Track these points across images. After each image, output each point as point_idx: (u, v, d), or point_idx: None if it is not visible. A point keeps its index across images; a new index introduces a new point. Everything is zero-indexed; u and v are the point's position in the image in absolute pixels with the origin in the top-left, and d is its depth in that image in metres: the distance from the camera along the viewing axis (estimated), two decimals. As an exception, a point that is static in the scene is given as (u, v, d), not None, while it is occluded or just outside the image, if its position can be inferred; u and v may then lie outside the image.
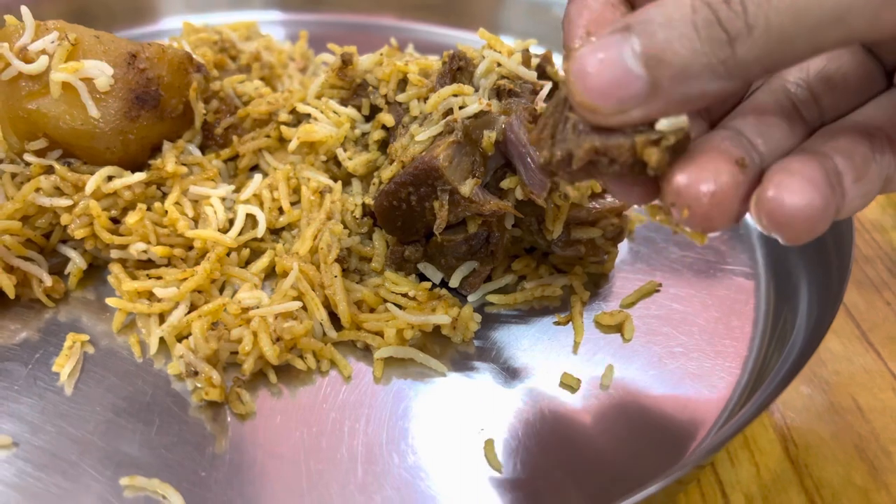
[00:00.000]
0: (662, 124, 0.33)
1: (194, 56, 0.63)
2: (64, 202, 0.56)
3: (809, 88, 0.40)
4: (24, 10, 0.55)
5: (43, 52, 0.55)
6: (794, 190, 0.33)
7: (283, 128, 0.66)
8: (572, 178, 0.38)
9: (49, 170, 0.58)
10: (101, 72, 0.55)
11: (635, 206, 0.67)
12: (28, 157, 0.58)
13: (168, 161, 0.59)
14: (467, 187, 0.53)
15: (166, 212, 0.58)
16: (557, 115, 0.37)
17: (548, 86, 0.59)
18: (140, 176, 0.58)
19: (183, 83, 0.61)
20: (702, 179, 0.34)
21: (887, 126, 0.38)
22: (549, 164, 0.38)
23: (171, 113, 0.61)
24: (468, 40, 0.90)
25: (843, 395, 0.56)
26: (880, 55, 0.40)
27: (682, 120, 0.34)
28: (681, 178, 0.34)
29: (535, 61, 0.63)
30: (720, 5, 0.30)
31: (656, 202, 0.38)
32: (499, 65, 0.57)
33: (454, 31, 0.96)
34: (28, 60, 0.55)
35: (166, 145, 0.61)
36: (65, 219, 0.56)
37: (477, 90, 0.57)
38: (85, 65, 0.55)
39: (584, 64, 0.33)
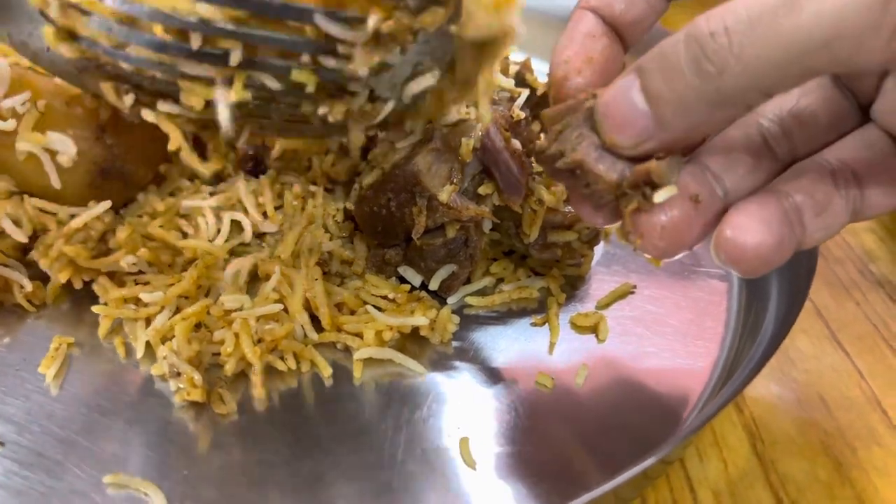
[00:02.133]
0: (660, 196, 0.37)
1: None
2: (22, 237, 0.57)
3: (781, 124, 0.42)
4: (2, 62, 0.55)
5: (13, 111, 0.54)
6: (748, 230, 0.36)
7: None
8: (552, 174, 0.41)
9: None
10: (65, 149, 0.55)
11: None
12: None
13: (154, 203, 0.60)
14: (445, 194, 0.55)
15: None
16: (575, 121, 0.40)
17: (525, 93, 0.61)
18: (105, 205, 0.58)
19: (156, 154, 0.59)
20: (654, 212, 0.38)
21: (853, 161, 0.40)
22: (542, 153, 0.41)
23: (139, 182, 0.61)
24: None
25: (810, 392, 0.57)
26: (855, 92, 0.42)
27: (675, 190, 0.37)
28: (640, 212, 0.38)
29: (514, 69, 0.64)
30: (706, 39, 0.32)
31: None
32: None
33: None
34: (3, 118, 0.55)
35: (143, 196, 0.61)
36: (43, 263, 0.57)
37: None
38: (49, 137, 0.54)
39: (605, 105, 0.37)
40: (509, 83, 0.61)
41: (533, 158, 0.56)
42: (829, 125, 0.42)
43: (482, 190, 0.57)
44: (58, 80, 0.56)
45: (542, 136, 0.49)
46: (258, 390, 0.53)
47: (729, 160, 0.40)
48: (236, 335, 0.53)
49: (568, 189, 0.42)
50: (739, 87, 0.32)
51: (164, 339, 0.55)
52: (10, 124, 0.54)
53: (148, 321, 0.56)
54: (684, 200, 0.38)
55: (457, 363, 0.57)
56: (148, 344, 0.55)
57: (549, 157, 0.40)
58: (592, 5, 0.44)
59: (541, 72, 0.68)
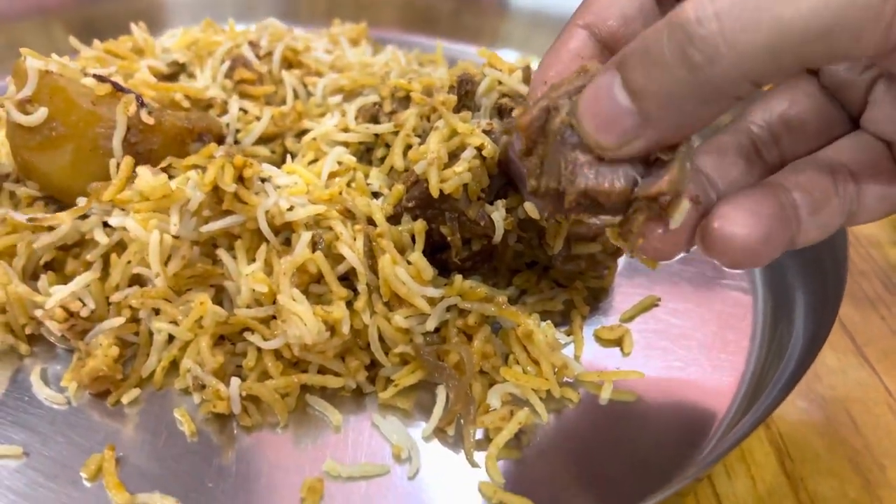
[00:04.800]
0: (676, 220, 0.36)
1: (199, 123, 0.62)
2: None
3: (770, 130, 0.42)
4: (30, 60, 0.55)
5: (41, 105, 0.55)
6: (736, 221, 0.35)
7: (288, 143, 0.67)
8: (557, 212, 0.39)
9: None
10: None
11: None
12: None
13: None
14: (473, 210, 0.54)
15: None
16: (546, 147, 0.38)
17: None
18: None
19: (178, 155, 0.57)
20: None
21: (851, 163, 0.39)
22: (536, 192, 0.39)
23: None
24: (471, 53, 0.91)
25: (838, 409, 0.57)
26: (844, 102, 0.42)
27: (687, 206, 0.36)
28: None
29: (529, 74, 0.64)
30: (693, 26, 0.30)
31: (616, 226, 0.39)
32: (499, 83, 0.58)
33: (457, 45, 0.97)
34: (26, 112, 0.55)
35: None
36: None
37: (478, 109, 0.58)
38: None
39: (586, 104, 0.35)
40: (525, 89, 0.61)
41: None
42: (818, 132, 0.42)
43: (507, 203, 0.56)
44: (86, 82, 0.56)
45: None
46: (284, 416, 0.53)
47: (723, 164, 0.39)
48: (258, 348, 0.53)
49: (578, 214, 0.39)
50: (731, 77, 0.30)
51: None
52: (39, 115, 0.54)
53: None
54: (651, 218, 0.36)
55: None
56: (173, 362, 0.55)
57: (550, 197, 0.39)
58: (586, 22, 0.42)
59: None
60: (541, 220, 0.55)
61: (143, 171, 0.54)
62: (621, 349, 0.59)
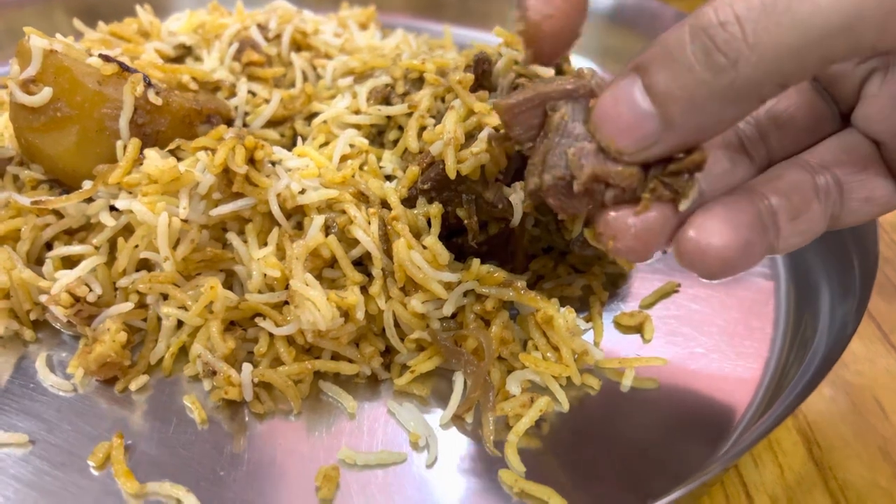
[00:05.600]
0: (685, 203, 0.35)
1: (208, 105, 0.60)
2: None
3: (758, 126, 0.41)
4: (34, 39, 0.53)
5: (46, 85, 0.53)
6: (712, 231, 0.35)
7: (298, 126, 0.65)
8: (563, 204, 0.39)
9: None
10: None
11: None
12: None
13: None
14: (491, 192, 0.53)
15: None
16: (549, 142, 0.38)
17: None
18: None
19: (185, 137, 0.56)
20: (630, 214, 0.36)
21: (835, 165, 0.38)
22: (539, 189, 0.39)
23: None
24: (481, 39, 0.89)
25: (866, 396, 0.55)
26: (835, 96, 0.41)
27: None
28: (612, 211, 0.37)
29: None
30: (716, 29, 0.30)
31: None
32: (516, 63, 0.57)
33: (467, 31, 0.95)
34: (30, 92, 0.53)
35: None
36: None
37: (495, 89, 0.57)
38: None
39: (604, 109, 0.35)
40: (549, 72, 0.59)
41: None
42: (807, 128, 0.41)
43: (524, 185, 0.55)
44: (91, 62, 0.54)
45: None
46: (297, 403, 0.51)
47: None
48: (270, 333, 0.51)
49: (584, 210, 0.39)
50: (755, 79, 0.30)
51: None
52: (43, 96, 0.53)
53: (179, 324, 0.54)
54: (662, 200, 0.36)
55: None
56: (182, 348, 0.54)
57: (556, 190, 0.38)
58: None
59: (578, 64, 0.66)
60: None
61: (152, 154, 0.53)
62: (642, 335, 0.58)
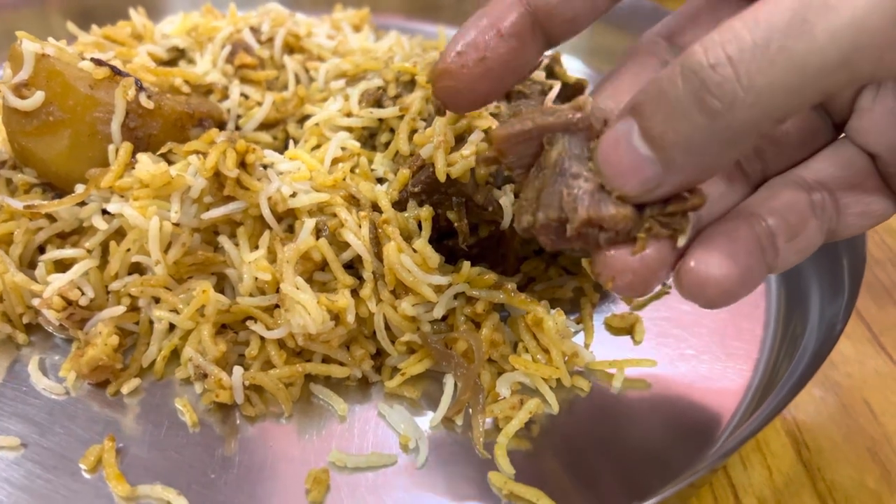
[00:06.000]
0: (683, 239, 0.35)
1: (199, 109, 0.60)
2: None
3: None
4: (26, 43, 0.53)
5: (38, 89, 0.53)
6: (711, 263, 0.34)
7: (290, 129, 0.66)
8: (556, 244, 0.38)
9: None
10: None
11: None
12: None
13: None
14: (481, 195, 0.53)
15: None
16: (544, 179, 0.37)
17: (557, 86, 0.59)
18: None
19: (177, 140, 0.56)
20: (627, 253, 0.36)
21: (830, 181, 0.38)
22: (532, 227, 0.38)
23: None
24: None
25: (854, 397, 0.56)
26: (829, 109, 0.40)
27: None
28: (611, 251, 0.36)
29: (544, 62, 0.63)
30: (707, 72, 0.29)
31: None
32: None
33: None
34: (23, 96, 0.53)
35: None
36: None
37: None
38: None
39: (605, 153, 0.35)
40: (541, 76, 0.59)
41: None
42: (801, 142, 0.41)
43: (515, 188, 0.55)
44: (83, 66, 0.55)
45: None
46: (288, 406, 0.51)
47: (702, 186, 0.37)
48: (261, 337, 0.51)
49: (580, 249, 0.38)
50: (753, 120, 0.29)
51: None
52: (35, 100, 0.53)
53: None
54: (659, 238, 0.36)
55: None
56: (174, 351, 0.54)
57: (549, 230, 0.38)
58: None
59: (570, 67, 0.67)
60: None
61: (143, 158, 0.53)
62: (632, 337, 0.58)
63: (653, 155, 0.32)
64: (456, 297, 0.54)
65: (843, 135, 0.41)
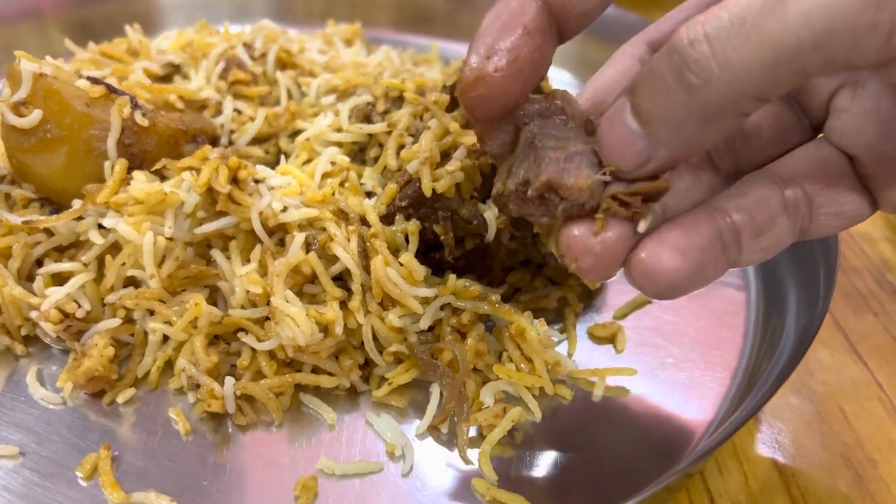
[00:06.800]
0: (644, 225, 0.36)
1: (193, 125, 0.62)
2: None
3: (725, 136, 0.40)
4: (25, 63, 0.55)
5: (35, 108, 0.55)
6: (661, 255, 0.35)
7: (282, 143, 0.67)
8: (520, 209, 0.40)
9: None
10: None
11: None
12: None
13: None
14: (467, 209, 0.55)
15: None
16: (517, 153, 0.40)
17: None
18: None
19: (172, 156, 0.57)
20: (589, 235, 0.37)
21: (805, 179, 0.39)
22: (501, 195, 0.41)
23: None
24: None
25: (830, 405, 0.57)
26: (806, 108, 0.41)
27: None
28: (574, 231, 0.37)
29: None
30: (686, 50, 0.30)
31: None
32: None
33: (452, 45, 0.97)
34: (21, 115, 0.55)
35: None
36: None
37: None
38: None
39: (602, 131, 0.36)
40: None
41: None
42: (774, 139, 0.41)
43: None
44: (80, 84, 0.56)
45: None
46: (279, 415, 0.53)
47: (669, 175, 0.38)
48: (253, 348, 0.53)
49: (538, 217, 0.40)
50: (729, 96, 0.31)
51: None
52: (33, 118, 0.55)
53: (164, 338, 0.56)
54: (619, 222, 0.36)
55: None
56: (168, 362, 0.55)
57: (514, 196, 0.39)
58: (650, 38, 0.43)
59: (554, 79, 0.68)
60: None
61: (138, 176, 0.55)
62: (614, 346, 0.59)
63: (640, 129, 0.34)
64: (442, 308, 0.55)
65: (821, 135, 0.41)
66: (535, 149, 0.38)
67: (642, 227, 0.36)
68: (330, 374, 0.54)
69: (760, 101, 0.31)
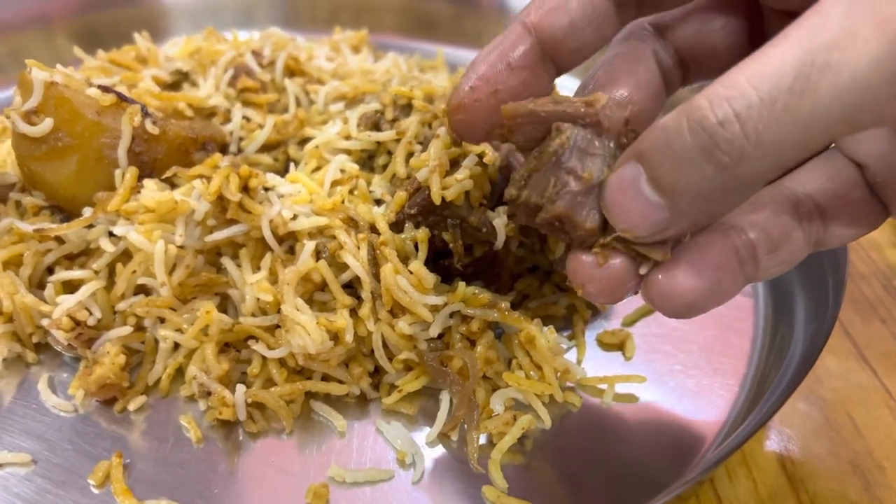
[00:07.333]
0: (643, 270, 0.37)
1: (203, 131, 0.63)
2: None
3: None
4: (36, 72, 0.55)
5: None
6: (678, 276, 0.36)
7: (291, 151, 0.67)
8: (529, 222, 0.40)
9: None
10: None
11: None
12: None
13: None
14: (476, 217, 0.55)
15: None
16: (539, 163, 0.39)
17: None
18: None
19: (182, 164, 0.57)
20: (595, 264, 0.37)
21: (817, 192, 0.39)
22: (514, 200, 0.41)
23: None
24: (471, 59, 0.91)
25: (839, 411, 0.57)
26: None
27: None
28: (581, 257, 0.38)
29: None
30: (716, 129, 0.30)
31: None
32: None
33: (458, 50, 0.97)
34: (32, 123, 0.55)
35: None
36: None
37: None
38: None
39: (613, 198, 0.36)
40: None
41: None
42: None
43: (508, 209, 0.57)
44: (90, 92, 0.57)
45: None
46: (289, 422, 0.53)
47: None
48: (263, 355, 0.53)
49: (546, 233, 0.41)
50: (760, 170, 0.31)
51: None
52: (44, 127, 0.55)
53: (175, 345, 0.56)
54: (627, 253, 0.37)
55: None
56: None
57: (525, 208, 0.40)
58: (531, 22, 0.41)
59: (570, 87, 0.68)
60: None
61: (149, 184, 0.55)
62: (623, 353, 0.60)
63: (662, 201, 0.33)
64: (451, 315, 0.55)
65: (832, 145, 0.41)
66: (558, 167, 0.38)
67: (643, 270, 0.37)
68: (340, 381, 0.55)
69: (786, 168, 0.31)
